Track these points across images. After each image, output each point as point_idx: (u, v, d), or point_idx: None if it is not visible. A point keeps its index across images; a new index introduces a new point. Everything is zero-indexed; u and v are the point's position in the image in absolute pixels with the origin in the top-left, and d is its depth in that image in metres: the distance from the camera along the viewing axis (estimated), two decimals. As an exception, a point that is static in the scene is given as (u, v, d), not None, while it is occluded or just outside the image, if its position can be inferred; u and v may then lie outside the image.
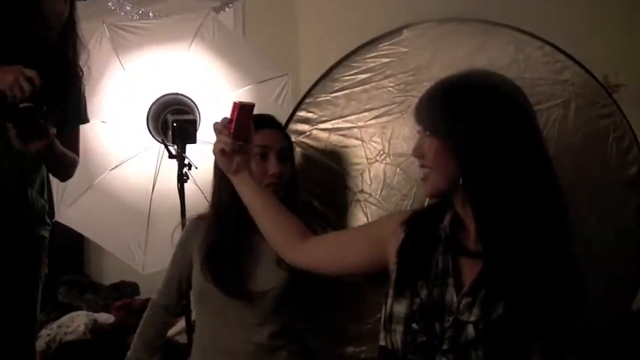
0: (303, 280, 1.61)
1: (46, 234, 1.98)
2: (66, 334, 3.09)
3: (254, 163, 1.60)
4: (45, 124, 1.71)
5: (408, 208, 1.80)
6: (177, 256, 1.85)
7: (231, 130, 1.40)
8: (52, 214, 2.61)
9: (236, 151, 1.42)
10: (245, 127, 1.42)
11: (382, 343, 1.24)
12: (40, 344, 3.02)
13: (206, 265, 1.71)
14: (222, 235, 1.72)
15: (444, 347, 1.14)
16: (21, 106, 1.66)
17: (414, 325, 1.17)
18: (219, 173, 1.72)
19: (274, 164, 1.70)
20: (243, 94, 2.60)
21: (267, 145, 1.70)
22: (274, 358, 1.71)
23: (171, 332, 2.29)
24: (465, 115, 1.16)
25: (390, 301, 1.22)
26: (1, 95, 1.66)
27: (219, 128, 1.42)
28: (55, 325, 3.16)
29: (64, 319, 3.20)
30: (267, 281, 1.69)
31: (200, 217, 1.85)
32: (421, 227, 1.27)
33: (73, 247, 3.95)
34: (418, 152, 1.23)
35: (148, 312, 1.89)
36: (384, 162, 1.90)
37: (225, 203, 1.71)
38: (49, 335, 3.09)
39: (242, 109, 1.39)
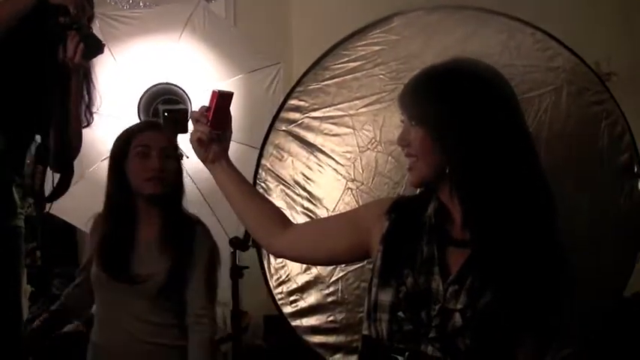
0: (185, 267, 1.83)
1: (21, 223, 1.97)
2: (59, 325, 3.07)
3: (136, 162, 1.86)
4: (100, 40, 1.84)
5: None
6: (88, 254, 2.04)
7: (210, 119, 1.39)
8: (43, 205, 2.61)
9: (213, 140, 1.40)
10: (223, 116, 1.40)
11: (365, 332, 1.24)
12: (33, 336, 3.01)
13: (97, 254, 1.90)
14: (110, 226, 1.91)
15: (431, 335, 1.14)
16: (75, 26, 1.78)
17: (400, 314, 1.16)
18: (108, 167, 1.93)
19: (155, 161, 1.88)
20: (234, 84, 2.58)
21: (149, 145, 1.89)
22: (167, 334, 1.87)
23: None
24: (450, 104, 1.14)
25: (374, 289, 1.21)
26: (65, 9, 1.77)
27: (197, 117, 1.40)
28: (48, 316, 3.15)
29: (58, 310, 3.19)
30: (152, 266, 1.84)
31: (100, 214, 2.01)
32: (405, 215, 1.25)
33: (66, 238, 3.94)
34: (403, 141, 1.21)
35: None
36: (375, 150, 1.90)
37: (110, 196, 1.92)
38: (42, 327, 3.08)
39: (221, 98, 1.38)
